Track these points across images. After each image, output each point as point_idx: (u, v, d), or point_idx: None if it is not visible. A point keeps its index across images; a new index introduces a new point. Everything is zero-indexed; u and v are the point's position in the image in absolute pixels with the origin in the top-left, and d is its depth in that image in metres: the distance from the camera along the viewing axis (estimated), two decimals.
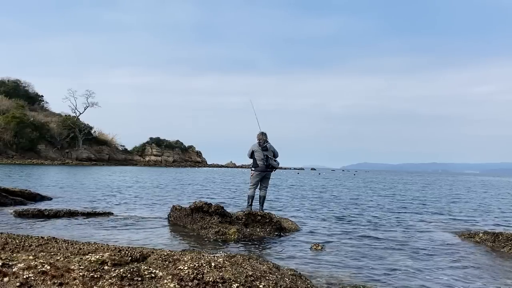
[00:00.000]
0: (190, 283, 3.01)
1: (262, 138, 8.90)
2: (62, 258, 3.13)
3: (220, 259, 3.50)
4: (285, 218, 8.70)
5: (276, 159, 9.06)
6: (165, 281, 3.01)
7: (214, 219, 7.59)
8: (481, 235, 7.28)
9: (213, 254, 3.76)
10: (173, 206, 8.88)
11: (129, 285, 2.91)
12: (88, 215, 9.10)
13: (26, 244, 3.50)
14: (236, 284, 3.07)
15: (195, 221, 7.83)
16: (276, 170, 9.43)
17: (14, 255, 3.15)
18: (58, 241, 3.71)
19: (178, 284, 2.99)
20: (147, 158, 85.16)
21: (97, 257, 3.17)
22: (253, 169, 9.01)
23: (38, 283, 2.79)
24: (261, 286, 3.17)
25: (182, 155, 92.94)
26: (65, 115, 75.58)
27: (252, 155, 8.98)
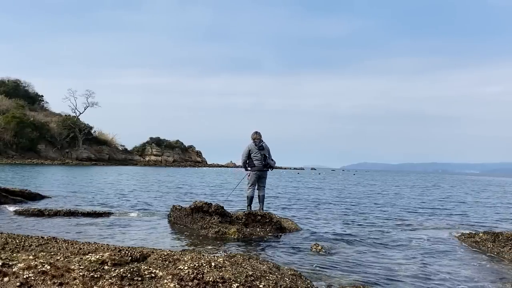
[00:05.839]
0: (190, 283, 3.01)
1: (257, 138, 8.82)
2: (62, 258, 3.13)
3: (220, 259, 3.50)
4: (285, 218, 8.69)
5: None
6: (165, 281, 3.01)
7: (214, 219, 7.59)
8: (481, 235, 7.27)
9: (213, 254, 3.76)
10: (173, 206, 8.88)
11: (129, 285, 2.90)
12: (88, 215, 9.11)
13: (26, 244, 3.50)
14: (236, 284, 3.07)
15: (195, 221, 7.83)
16: (274, 169, 9.35)
17: (14, 255, 3.15)
18: (58, 241, 3.71)
19: (178, 284, 2.99)
20: (147, 158, 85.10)
21: (97, 257, 3.17)
22: (249, 168, 8.91)
23: (38, 283, 2.79)
24: (261, 286, 3.16)
25: (182, 155, 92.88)
26: (65, 115, 75.55)
27: (248, 156, 8.85)
